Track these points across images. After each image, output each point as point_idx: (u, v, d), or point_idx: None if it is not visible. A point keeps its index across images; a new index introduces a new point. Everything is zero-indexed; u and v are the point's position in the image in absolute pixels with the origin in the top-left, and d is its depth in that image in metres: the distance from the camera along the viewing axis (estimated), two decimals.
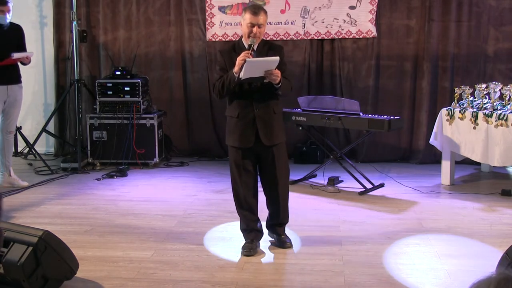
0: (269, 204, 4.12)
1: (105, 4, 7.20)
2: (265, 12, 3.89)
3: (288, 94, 4.05)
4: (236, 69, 3.73)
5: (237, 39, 7.00)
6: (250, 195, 4.01)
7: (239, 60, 3.72)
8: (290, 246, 4.07)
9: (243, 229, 4.09)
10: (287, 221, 4.17)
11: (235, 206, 4.09)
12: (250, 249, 3.97)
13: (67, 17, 7.17)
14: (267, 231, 4.22)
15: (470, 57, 6.67)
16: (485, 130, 5.39)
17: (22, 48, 5.76)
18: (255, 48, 3.84)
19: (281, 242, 4.09)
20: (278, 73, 3.75)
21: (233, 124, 3.93)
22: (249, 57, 3.70)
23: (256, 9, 3.85)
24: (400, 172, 6.35)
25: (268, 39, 6.33)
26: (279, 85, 3.80)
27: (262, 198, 4.14)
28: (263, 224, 4.19)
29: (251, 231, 4.05)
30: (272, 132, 3.91)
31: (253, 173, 4.00)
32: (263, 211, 4.19)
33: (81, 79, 6.93)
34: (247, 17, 3.83)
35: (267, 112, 3.89)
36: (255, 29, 3.81)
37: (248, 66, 3.66)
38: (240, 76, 3.70)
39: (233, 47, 3.95)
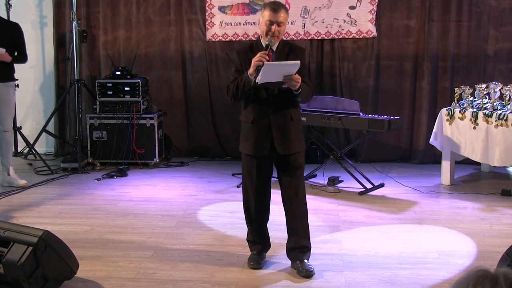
0: (287, 222, 3.73)
1: (105, 4, 7.20)
2: (286, 10, 3.54)
3: (308, 100, 3.79)
4: (251, 70, 3.40)
5: (237, 39, 7.15)
6: (261, 208, 3.72)
7: (254, 61, 3.38)
8: (313, 274, 3.61)
9: (249, 241, 3.85)
10: (308, 242, 3.72)
11: (245, 217, 3.80)
12: (257, 261, 3.75)
13: (67, 17, 7.16)
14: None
15: (470, 57, 6.67)
16: (485, 130, 5.39)
17: (20, 47, 5.75)
18: (274, 48, 3.55)
19: (303, 269, 3.61)
20: (298, 78, 3.39)
21: (247, 130, 3.62)
22: (266, 58, 3.38)
23: (276, 6, 3.50)
24: (400, 172, 6.35)
25: None
26: (299, 91, 3.47)
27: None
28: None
29: (256, 243, 3.82)
30: (288, 140, 3.56)
31: (267, 185, 3.71)
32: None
33: (81, 79, 6.92)
34: (266, 14, 3.50)
35: (284, 118, 3.55)
36: (274, 27, 3.47)
37: (266, 70, 3.31)
38: (257, 81, 3.36)
39: (250, 47, 3.62)
